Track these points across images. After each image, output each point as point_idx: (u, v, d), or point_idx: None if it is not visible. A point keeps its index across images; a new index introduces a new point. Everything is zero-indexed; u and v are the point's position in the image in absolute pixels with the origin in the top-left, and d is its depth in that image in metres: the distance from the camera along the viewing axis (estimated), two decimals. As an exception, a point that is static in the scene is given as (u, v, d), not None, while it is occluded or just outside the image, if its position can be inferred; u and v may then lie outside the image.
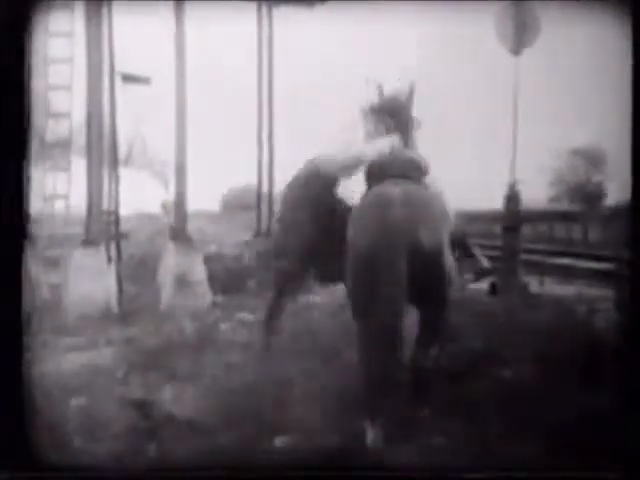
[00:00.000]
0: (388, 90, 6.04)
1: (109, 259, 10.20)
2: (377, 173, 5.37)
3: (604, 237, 21.53)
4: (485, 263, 5.92)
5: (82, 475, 4.46)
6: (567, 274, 13.27)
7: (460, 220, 5.46)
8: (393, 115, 5.92)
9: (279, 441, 4.89)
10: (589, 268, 13.66)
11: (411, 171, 5.34)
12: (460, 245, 5.39)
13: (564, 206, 34.80)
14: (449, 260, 5.07)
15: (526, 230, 15.31)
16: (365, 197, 5.26)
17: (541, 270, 13.27)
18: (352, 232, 5.10)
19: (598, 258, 14.79)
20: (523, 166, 11.87)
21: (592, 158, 36.10)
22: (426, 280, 4.88)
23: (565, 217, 26.86)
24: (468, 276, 5.88)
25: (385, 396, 4.77)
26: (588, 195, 35.52)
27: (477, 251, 5.75)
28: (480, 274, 5.88)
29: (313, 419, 5.01)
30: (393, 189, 5.01)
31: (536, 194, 32.60)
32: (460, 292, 5.34)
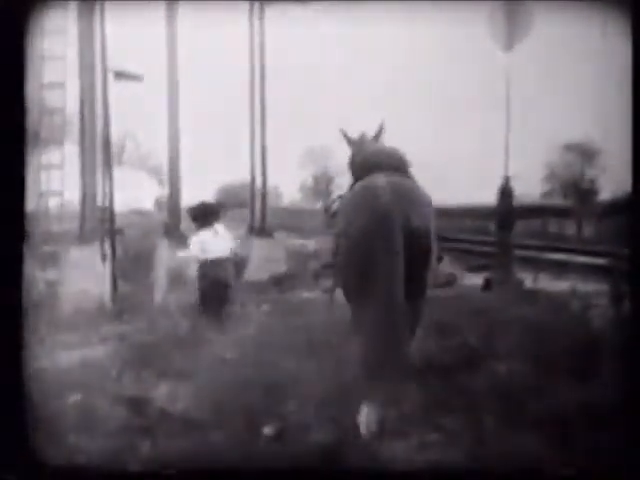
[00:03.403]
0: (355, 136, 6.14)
1: (103, 256, 10.20)
2: (364, 167, 5.48)
3: (598, 232, 21.56)
4: (453, 270, 6.01)
5: (78, 473, 4.45)
6: (561, 269, 13.28)
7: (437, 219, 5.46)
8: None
9: (267, 430, 4.91)
10: (583, 263, 13.68)
11: (397, 164, 5.45)
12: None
13: (558, 201, 34.89)
14: (435, 245, 5.14)
15: (520, 226, 15.33)
16: (353, 188, 5.40)
17: (535, 265, 13.30)
18: (344, 220, 5.23)
19: (592, 253, 14.81)
20: (517, 162, 11.90)
21: (586, 153, 36.22)
22: (414, 262, 4.93)
23: (559, 212, 26.91)
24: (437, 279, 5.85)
25: (384, 375, 4.81)
26: (582, 190, 35.64)
27: (446, 259, 5.76)
28: (448, 282, 5.92)
29: (307, 414, 5.03)
30: (379, 179, 5.13)
31: (530, 190, 32.74)
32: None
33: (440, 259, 5.44)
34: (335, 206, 5.81)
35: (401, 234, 4.84)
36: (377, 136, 6.07)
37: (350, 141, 6.12)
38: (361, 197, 5.16)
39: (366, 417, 4.79)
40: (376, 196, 4.98)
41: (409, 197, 5.04)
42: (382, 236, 4.85)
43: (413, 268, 4.93)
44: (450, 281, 5.95)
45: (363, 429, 4.77)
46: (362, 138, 6.07)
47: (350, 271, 5.15)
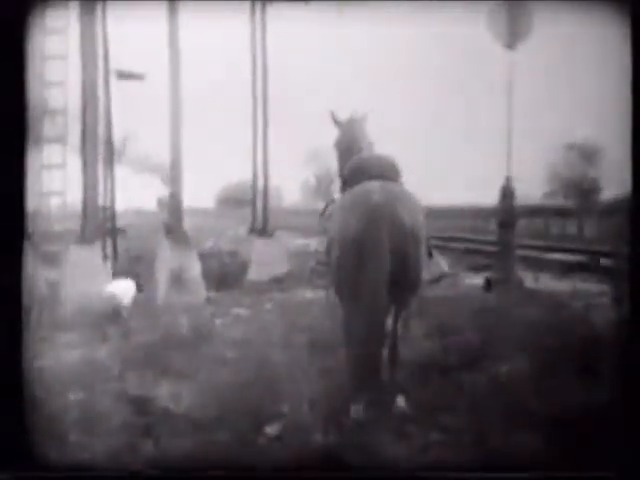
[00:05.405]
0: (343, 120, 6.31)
1: (105, 256, 10.21)
2: (356, 174, 5.63)
3: (600, 232, 21.55)
4: (445, 267, 6.11)
5: (80, 472, 4.45)
6: (562, 269, 13.29)
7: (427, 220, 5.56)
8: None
9: (270, 429, 4.93)
10: (584, 263, 13.68)
11: (388, 172, 5.59)
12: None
13: (559, 201, 34.91)
14: (425, 244, 5.33)
15: (521, 226, 15.34)
16: (347, 193, 5.57)
17: (537, 265, 13.31)
18: (337, 222, 5.37)
19: (594, 253, 14.83)
20: (518, 162, 11.90)
21: (588, 154, 36.25)
22: (405, 261, 5.11)
23: (560, 212, 26.92)
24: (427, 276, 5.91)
25: (367, 374, 5.01)
26: (583, 190, 35.65)
27: (437, 255, 5.89)
28: (439, 278, 6.02)
29: (308, 414, 5.04)
30: (372, 183, 5.31)
31: (531, 190, 32.75)
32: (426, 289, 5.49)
33: (430, 255, 5.56)
34: (329, 209, 6.00)
35: (391, 235, 5.00)
36: (362, 120, 6.25)
37: (338, 123, 6.29)
38: (353, 200, 5.32)
39: (354, 410, 4.99)
40: (368, 198, 5.15)
41: (400, 200, 5.21)
42: (372, 238, 5.01)
43: (404, 267, 5.10)
44: (441, 276, 6.04)
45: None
46: (350, 121, 6.25)
47: (342, 273, 5.27)
